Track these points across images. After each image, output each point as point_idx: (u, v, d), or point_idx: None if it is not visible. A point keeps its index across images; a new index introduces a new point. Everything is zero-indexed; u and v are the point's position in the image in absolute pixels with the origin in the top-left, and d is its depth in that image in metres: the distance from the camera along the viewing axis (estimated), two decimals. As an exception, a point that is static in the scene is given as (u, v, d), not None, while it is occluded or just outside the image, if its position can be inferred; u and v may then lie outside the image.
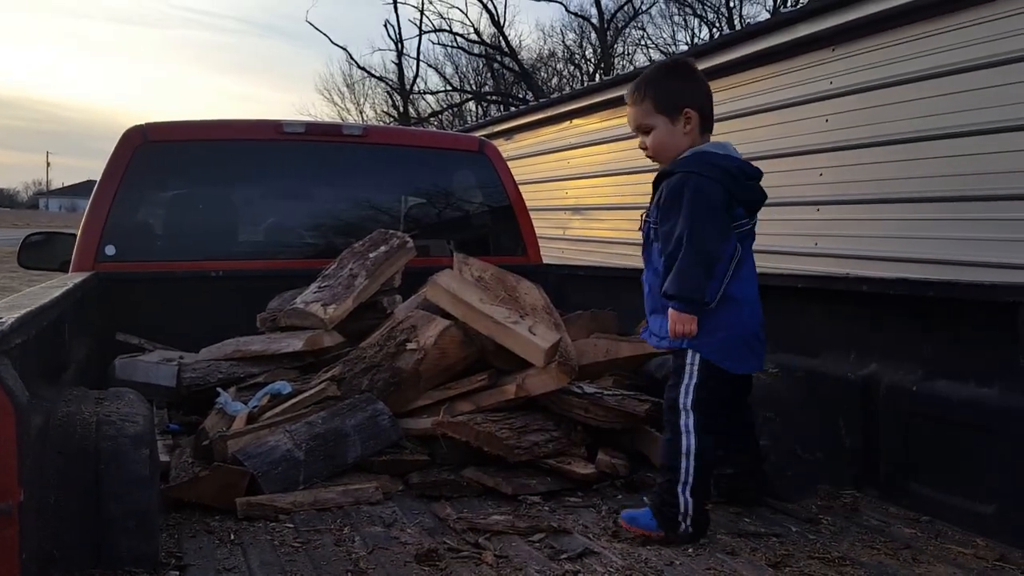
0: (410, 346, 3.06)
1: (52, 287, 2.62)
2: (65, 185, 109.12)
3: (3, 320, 1.53)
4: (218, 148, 4.26)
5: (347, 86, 35.69)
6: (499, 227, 4.76)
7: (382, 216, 4.64)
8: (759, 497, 2.64)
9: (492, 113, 32.81)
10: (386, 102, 34.49)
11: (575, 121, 9.05)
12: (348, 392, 3.02)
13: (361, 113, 35.11)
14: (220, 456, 2.71)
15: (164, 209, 4.30)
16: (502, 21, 29.91)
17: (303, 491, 2.62)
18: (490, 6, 29.14)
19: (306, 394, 2.96)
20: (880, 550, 2.31)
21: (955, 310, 2.54)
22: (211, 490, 2.53)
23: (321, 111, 36.08)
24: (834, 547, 2.31)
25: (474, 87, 33.54)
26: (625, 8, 30.01)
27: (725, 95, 6.07)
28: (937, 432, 2.55)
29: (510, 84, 32.92)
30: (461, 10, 41.59)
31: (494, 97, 32.54)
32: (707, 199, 2.30)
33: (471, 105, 33.98)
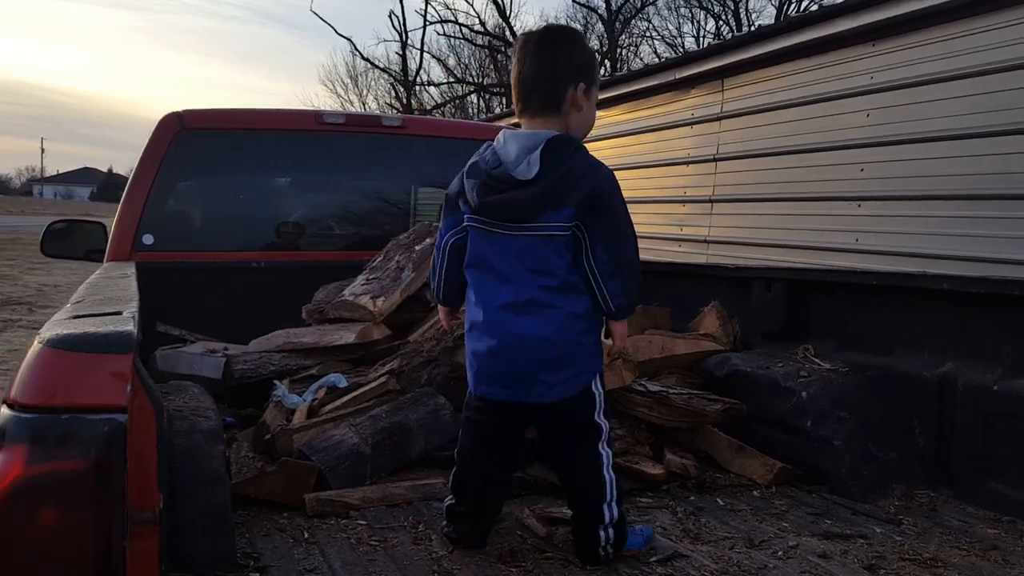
0: (470, 340, 3.00)
1: (113, 276, 2.56)
2: (60, 172, 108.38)
3: (123, 315, 1.45)
4: (256, 137, 4.17)
5: (351, 77, 35.55)
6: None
7: (420, 208, 4.58)
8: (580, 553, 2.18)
9: (494, 105, 32.67)
10: (389, 93, 34.37)
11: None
12: (407, 386, 2.96)
13: (364, 104, 34.97)
14: (284, 451, 2.65)
15: (202, 198, 4.23)
16: (508, 12, 29.77)
17: (371, 486, 2.57)
18: (497, -4, 28.96)
19: (367, 388, 2.90)
20: (968, 551, 2.27)
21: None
22: (278, 486, 2.47)
23: (324, 102, 35.89)
24: (923, 548, 2.27)
25: (476, 79, 33.39)
26: (631, 0, 29.86)
27: (762, 87, 6.01)
28: (1017, 431, 2.50)
29: (513, 76, 32.70)
30: (467, 0, 41.16)
31: (497, 89, 32.40)
32: None
33: (473, 98, 33.84)
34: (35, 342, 1.27)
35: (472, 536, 2.23)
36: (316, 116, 4.24)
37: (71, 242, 4.60)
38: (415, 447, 2.73)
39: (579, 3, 30.97)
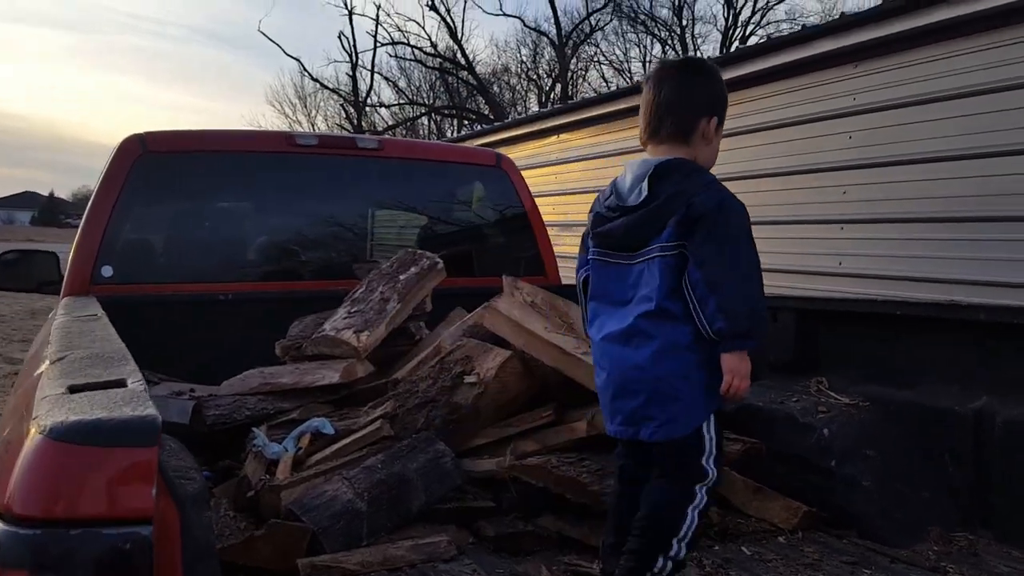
0: (468, 379, 2.78)
1: (82, 318, 2.29)
2: (0, 196, 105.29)
3: (131, 385, 1.20)
4: (224, 160, 3.92)
5: (299, 98, 35.19)
6: (517, 245, 4.51)
7: (398, 233, 4.37)
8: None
9: (446, 127, 32.56)
10: (339, 115, 34.07)
11: (562, 136, 8.86)
12: (401, 431, 2.73)
13: (313, 125, 34.59)
14: (270, 509, 2.39)
15: (166, 226, 3.94)
16: (460, 34, 29.71)
17: (368, 548, 2.32)
18: (448, 20, 28.93)
19: (359, 435, 2.66)
20: (1024, 604, 2.11)
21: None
22: (267, 551, 2.21)
23: (272, 122, 35.42)
24: (976, 603, 2.11)
25: (427, 101, 33.27)
26: (580, 26, 30.13)
27: (745, 108, 5.90)
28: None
29: (464, 98, 32.74)
30: (418, 23, 41.17)
31: (448, 111, 32.32)
32: None
33: (424, 120, 33.71)
34: (32, 431, 1.00)
35: None
36: (288, 138, 4.02)
37: (23, 274, 4.31)
38: (415, 501, 2.49)
39: (530, 27, 31.20)
